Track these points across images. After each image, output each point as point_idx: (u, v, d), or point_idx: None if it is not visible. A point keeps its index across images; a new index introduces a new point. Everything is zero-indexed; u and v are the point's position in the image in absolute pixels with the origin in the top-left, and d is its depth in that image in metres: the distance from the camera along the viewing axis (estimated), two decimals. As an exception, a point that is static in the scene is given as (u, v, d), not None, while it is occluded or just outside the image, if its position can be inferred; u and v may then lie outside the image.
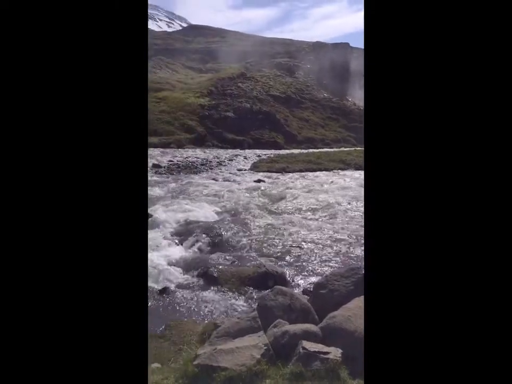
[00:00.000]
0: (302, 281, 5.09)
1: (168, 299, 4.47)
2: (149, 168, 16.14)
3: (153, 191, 11.00)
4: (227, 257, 5.87)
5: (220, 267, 5.33)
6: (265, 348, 2.53)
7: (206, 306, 4.30)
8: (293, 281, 5.12)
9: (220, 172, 16.54)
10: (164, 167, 16.84)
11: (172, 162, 18.27)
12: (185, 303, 4.39)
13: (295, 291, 4.24)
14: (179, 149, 24.86)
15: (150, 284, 4.82)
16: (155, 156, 20.52)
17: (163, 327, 3.70)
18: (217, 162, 19.64)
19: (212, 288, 4.79)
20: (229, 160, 20.94)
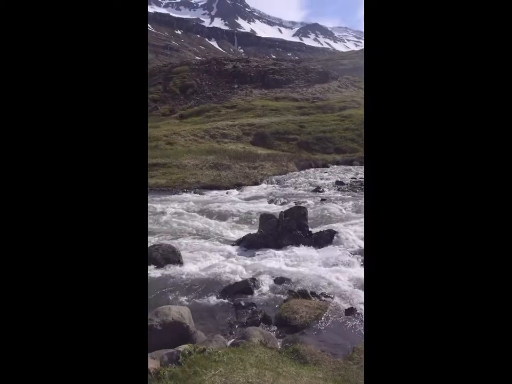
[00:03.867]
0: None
1: (353, 320, 4.36)
2: (332, 185, 16.45)
3: (336, 208, 11.11)
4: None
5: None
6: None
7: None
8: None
9: (407, 191, 15.33)
10: (347, 184, 16.82)
11: (354, 180, 18.10)
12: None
13: None
14: (362, 166, 24.46)
15: (337, 301, 4.82)
16: (337, 172, 20.78)
17: (350, 348, 3.61)
18: (404, 180, 18.28)
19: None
20: (417, 178, 19.19)
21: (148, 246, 7.08)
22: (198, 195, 14.05)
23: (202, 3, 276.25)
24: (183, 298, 5.20)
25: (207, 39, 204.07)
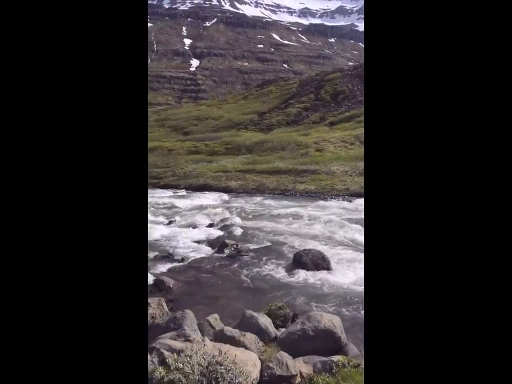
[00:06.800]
0: None
1: None
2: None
3: None
4: None
5: None
6: None
7: None
8: None
9: None
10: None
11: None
12: None
13: None
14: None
15: None
16: None
17: None
18: None
19: None
20: None
21: (297, 250, 7.28)
22: (347, 202, 13.79)
23: (357, 8, 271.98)
24: (331, 307, 5.15)
25: (360, 43, 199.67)
